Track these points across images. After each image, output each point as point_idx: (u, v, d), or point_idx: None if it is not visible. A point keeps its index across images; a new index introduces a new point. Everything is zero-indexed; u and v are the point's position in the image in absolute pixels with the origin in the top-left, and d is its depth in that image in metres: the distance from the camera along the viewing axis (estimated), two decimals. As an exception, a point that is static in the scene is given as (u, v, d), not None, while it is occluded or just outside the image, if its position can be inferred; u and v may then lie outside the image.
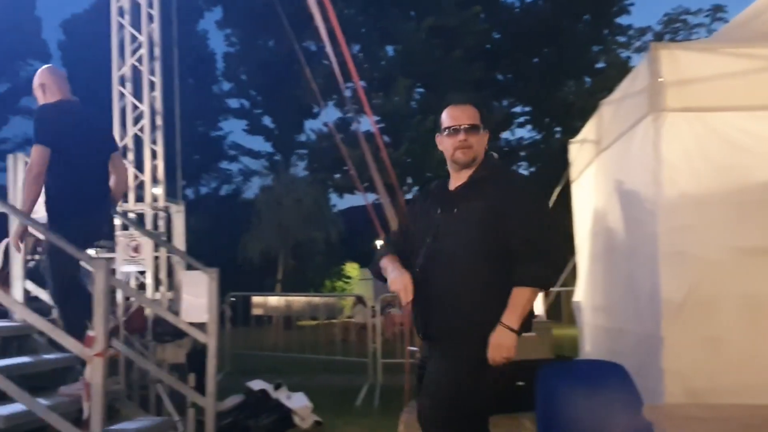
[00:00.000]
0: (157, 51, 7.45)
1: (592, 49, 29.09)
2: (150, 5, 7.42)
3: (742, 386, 4.25)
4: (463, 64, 26.19)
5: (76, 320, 4.78)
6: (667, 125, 4.66)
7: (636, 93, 5.12)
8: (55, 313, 5.42)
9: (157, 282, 7.10)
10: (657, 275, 4.50)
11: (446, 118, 3.37)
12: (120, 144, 7.22)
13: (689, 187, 4.63)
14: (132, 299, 6.78)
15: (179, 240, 7.57)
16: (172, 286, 7.32)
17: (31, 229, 5.25)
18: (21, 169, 5.75)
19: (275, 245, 24.92)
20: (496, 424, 4.52)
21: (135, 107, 7.33)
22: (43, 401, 4.46)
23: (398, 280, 3.20)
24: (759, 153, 4.55)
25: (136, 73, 7.38)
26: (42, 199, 4.92)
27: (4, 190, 5.52)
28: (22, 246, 5.06)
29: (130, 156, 7.28)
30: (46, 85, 5.15)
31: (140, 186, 7.28)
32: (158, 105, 7.38)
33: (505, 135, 30.92)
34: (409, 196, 19.88)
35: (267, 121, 34.22)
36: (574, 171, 7.46)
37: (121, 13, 7.42)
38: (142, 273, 7.01)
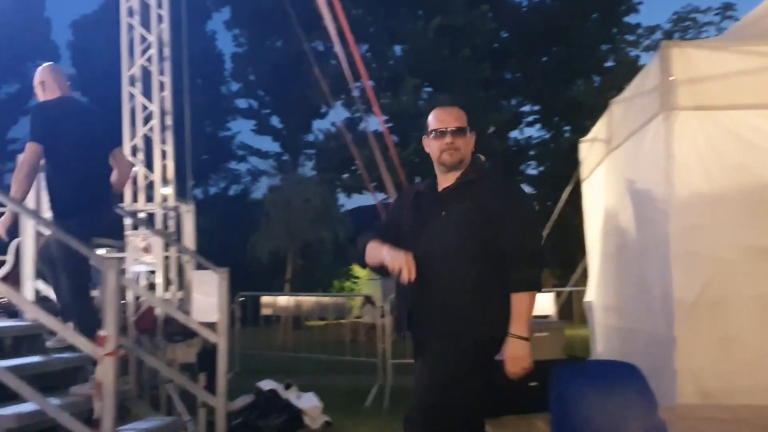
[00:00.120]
0: (166, 51, 7.46)
1: (600, 47, 28.97)
2: (159, 6, 7.44)
3: (755, 387, 4.23)
4: (471, 63, 26.11)
5: (89, 317, 4.81)
6: (678, 124, 4.64)
7: (647, 91, 5.10)
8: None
9: (167, 282, 7.11)
10: (669, 275, 4.48)
11: (432, 120, 3.36)
12: (130, 144, 7.27)
13: (701, 186, 4.61)
14: (142, 299, 6.79)
15: (189, 240, 7.57)
16: (182, 285, 7.33)
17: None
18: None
19: (284, 245, 24.86)
20: (508, 424, 4.53)
21: (145, 107, 7.35)
22: (54, 401, 4.46)
23: (399, 256, 3.13)
24: (771, 151, 4.52)
25: (146, 73, 7.39)
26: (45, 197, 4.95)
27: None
28: (5, 235, 5.04)
29: (140, 156, 7.30)
30: (45, 83, 5.17)
31: (150, 186, 7.29)
32: (168, 105, 7.39)
33: (514, 134, 30.87)
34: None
35: (275, 121, 34.18)
36: (584, 170, 7.43)
37: (130, 14, 7.43)
38: (152, 273, 7.01)
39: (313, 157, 31.77)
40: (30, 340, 5.60)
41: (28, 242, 6.08)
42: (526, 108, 30.89)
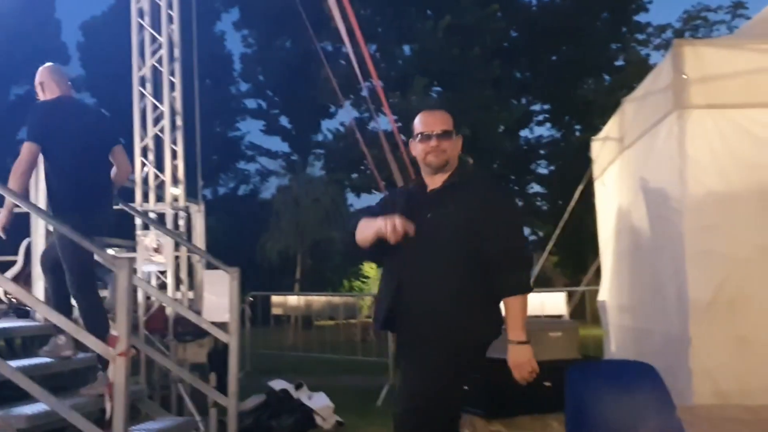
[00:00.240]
0: (176, 52, 7.46)
1: (610, 46, 28.87)
2: (170, 6, 7.44)
3: (772, 387, 4.20)
4: (481, 62, 26.05)
5: (95, 315, 4.82)
6: (691, 122, 4.63)
7: (659, 90, 5.07)
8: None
9: (178, 281, 7.11)
10: (683, 274, 4.46)
11: (418, 124, 3.34)
12: (140, 144, 7.28)
13: (715, 184, 4.59)
14: (153, 299, 6.79)
15: (199, 239, 7.58)
16: (192, 285, 7.33)
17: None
18: (40, 170, 5.76)
19: (293, 245, 24.87)
20: (522, 424, 4.51)
21: (155, 108, 7.35)
22: (65, 401, 4.45)
23: (386, 218, 3.11)
24: (786, 149, 4.49)
25: (156, 73, 7.39)
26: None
27: (25, 190, 5.52)
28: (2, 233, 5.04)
29: (151, 156, 7.30)
30: (44, 84, 5.19)
31: (161, 186, 7.29)
32: (178, 105, 7.39)
33: (524, 133, 30.81)
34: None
35: (284, 121, 34.22)
36: (596, 169, 7.40)
37: (141, 15, 7.44)
38: (163, 272, 7.01)
39: (322, 157, 31.75)
40: (41, 340, 5.60)
41: (38, 242, 6.08)
42: (537, 107, 30.82)
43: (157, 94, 7.35)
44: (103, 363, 4.64)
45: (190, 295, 7.24)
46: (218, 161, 34.35)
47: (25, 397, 4.26)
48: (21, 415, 4.27)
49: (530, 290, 3.19)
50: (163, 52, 7.37)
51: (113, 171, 5.31)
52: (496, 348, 4.96)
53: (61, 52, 32.99)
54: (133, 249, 6.96)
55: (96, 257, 4.81)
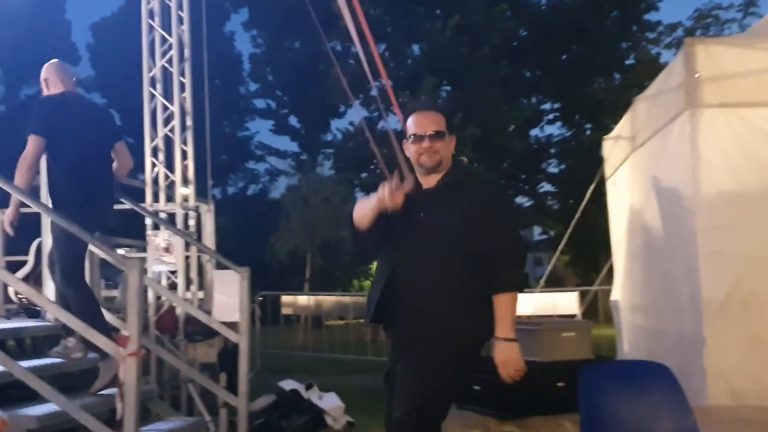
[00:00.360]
0: (186, 52, 7.46)
1: (620, 45, 28.78)
2: (180, 7, 7.44)
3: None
4: (490, 61, 25.99)
5: (86, 307, 4.83)
6: (704, 121, 4.61)
7: (671, 89, 5.05)
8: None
9: (188, 281, 7.11)
10: (697, 274, 4.43)
11: (411, 125, 3.31)
12: (151, 145, 7.29)
13: (728, 183, 4.57)
14: (163, 299, 6.79)
15: (209, 239, 7.58)
16: (202, 285, 7.33)
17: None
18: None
19: (303, 244, 24.88)
20: (535, 425, 4.48)
21: (165, 108, 7.35)
22: (75, 401, 4.45)
23: (382, 184, 3.11)
24: (799, 148, 4.46)
25: (166, 74, 7.40)
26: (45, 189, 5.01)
27: (36, 189, 5.54)
28: (11, 229, 5.05)
29: (161, 156, 7.30)
30: (48, 80, 5.24)
31: (171, 186, 7.29)
32: (188, 105, 7.40)
33: (535, 132, 30.75)
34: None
35: (293, 121, 34.25)
36: (608, 168, 7.36)
37: (151, 16, 7.44)
38: (173, 272, 7.01)
39: (331, 157, 31.78)
40: (51, 340, 5.61)
41: (48, 242, 6.08)
42: (547, 106, 30.75)
43: (167, 95, 7.36)
44: (101, 354, 4.68)
45: (200, 294, 7.24)
46: (228, 161, 34.42)
47: (35, 398, 4.26)
48: (31, 416, 4.26)
49: (522, 289, 3.17)
50: (173, 52, 7.37)
51: (114, 165, 5.34)
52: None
53: (71, 53, 33.09)
54: (144, 249, 6.97)
55: (106, 257, 4.81)
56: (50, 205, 4.96)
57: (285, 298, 19.60)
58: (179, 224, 7.15)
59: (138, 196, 6.95)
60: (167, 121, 7.35)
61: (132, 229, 7.52)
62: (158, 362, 6.49)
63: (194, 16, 7.61)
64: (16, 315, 6.54)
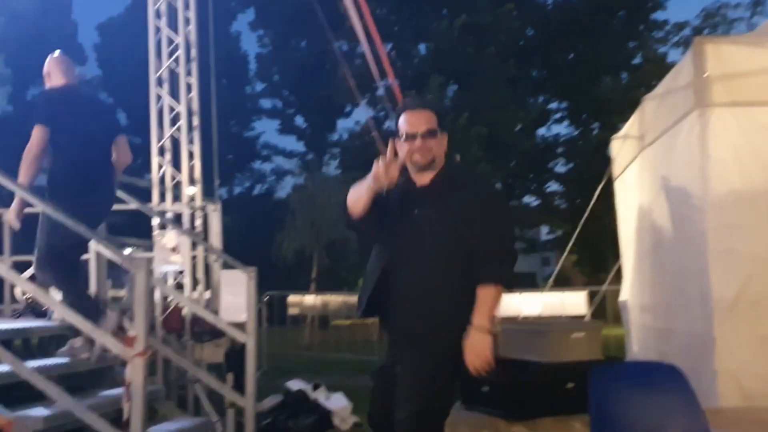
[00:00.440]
0: (193, 52, 7.47)
1: (627, 45, 28.74)
2: (186, 8, 7.45)
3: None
4: (497, 61, 26.01)
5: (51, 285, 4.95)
6: (713, 120, 4.58)
7: (680, 88, 5.03)
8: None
9: (195, 281, 7.10)
10: (707, 273, 4.40)
11: (403, 124, 3.30)
12: (157, 145, 7.29)
13: (738, 182, 4.54)
14: (170, 298, 6.78)
15: (216, 239, 7.56)
16: (209, 285, 7.32)
17: None
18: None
19: (309, 244, 24.88)
20: (545, 427, 4.45)
21: (172, 108, 7.35)
22: (82, 402, 4.44)
23: (376, 163, 3.13)
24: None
25: (173, 74, 7.40)
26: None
27: (42, 189, 5.55)
28: (17, 224, 5.06)
29: (168, 156, 7.30)
30: (50, 74, 5.28)
31: (177, 186, 7.29)
32: (195, 106, 7.41)
33: (542, 131, 30.73)
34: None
35: (299, 120, 34.34)
36: (616, 167, 7.33)
37: (158, 16, 7.45)
38: (180, 272, 7.01)
39: (337, 156, 31.81)
40: (58, 340, 5.60)
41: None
42: (553, 105, 30.75)
43: (174, 95, 7.36)
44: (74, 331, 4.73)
45: (207, 294, 7.23)
46: (234, 161, 34.48)
47: (42, 398, 4.25)
48: (37, 416, 4.25)
49: (508, 285, 3.16)
50: (180, 52, 7.38)
51: (113, 158, 5.37)
52: (514, 348, 4.94)
53: (78, 54, 33.18)
54: (150, 249, 6.97)
55: (115, 257, 4.81)
56: (49, 195, 4.96)
57: (291, 298, 19.60)
58: (186, 224, 7.15)
59: (145, 195, 6.95)
60: (174, 121, 7.35)
61: (139, 229, 7.52)
62: (165, 362, 6.48)
63: (201, 16, 7.61)
64: (23, 314, 6.54)
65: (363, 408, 7.29)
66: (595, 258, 25.05)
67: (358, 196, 3.27)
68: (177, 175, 7.28)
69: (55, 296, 5.17)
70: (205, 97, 7.70)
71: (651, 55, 27.52)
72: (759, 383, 4.13)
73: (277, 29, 31.35)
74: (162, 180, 7.28)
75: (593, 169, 11.00)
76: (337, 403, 6.99)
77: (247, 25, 33.86)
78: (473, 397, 4.85)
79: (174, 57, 7.40)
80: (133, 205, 6.12)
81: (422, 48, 28.41)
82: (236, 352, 6.52)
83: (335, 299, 21.13)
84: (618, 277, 7.27)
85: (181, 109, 7.31)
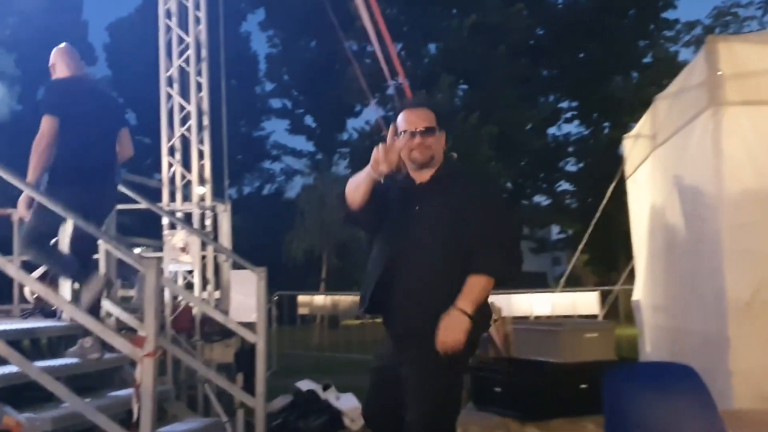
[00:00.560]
0: (204, 52, 7.46)
1: (638, 44, 28.68)
2: (197, 7, 7.44)
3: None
4: (507, 60, 26.00)
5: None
6: (726, 119, 4.55)
7: (693, 87, 4.99)
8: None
9: (205, 281, 7.09)
10: (721, 273, 4.35)
11: (401, 122, 3.33)
12: (167, 144, 7.28)
13: (752, 181, 4.50)
14: (180, 298, 6.77)
15: (225, 239, 7.56)
16: (219, 285, 7.31)
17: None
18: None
19: (318, 244, 24.92)
20: (557, 428, 4.41)
21: (182, 108, 7.34)
22: (91, 402, 4.43)
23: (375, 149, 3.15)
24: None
25: (183, 74, 7.39)
26: None
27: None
28: (29, 215, 5.06)
29: (178, 156, 7.30)
30: (56, 65, 5.33)
31: (187, 185, 7.29)
32: (205, 105, 7.40)
33: (552, 130, 30.68)
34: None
35: (309, 120, 34.41)
36: (628, 166, 7.28)
37: (168, 16, 7.44)
38: (190, 272, 7.00)
39: (347, 156, 31.82)
40: (67, 340, 5.59)
41: (65, 241, 6.07)
42: (564, 104, 30.69)
43: (184, 95, 7.35)
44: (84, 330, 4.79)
45: (217, 294, 7.22)
46: (243, 161, 34.54)
47: (51, 399, 4.24)
48: (46, 417, 4.23)
49: (499, 276, 3.15)
50: (190, 52, 7.36)
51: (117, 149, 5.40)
52: (526, 349, 4.91)
53: (88, 53, 33.25)
54: (160, 249, 6.96)
55: (125, 257, 4.81)
56: (48, 183, 4.98)
57: (301, 298, 19.62)
58: (195, 224, 7.14)
59: (154, 195, 6.94)
60: (184, 120, 7.34)
61: (148, 229, 7.52)
62: (175, 362, 6.47)
63: (211, 16, 7.60)
64: (32, 315, 6.54)
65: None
66: (606, 258, 24.98)
67: (357, 185, 3.28)
68: (187, 175, 7.27)
69: (64, 296, 5.17)
70: (215, 97, 7.69)
71: (662, 54, 27.44)
72: (775, 385, 4.09)
73: (286, 29, 31.41)
74: (172, 180, 7.27)
75: (604, 169, 10.95)
76: (347, 403, 6.97)
77: (257, 25, 34.01)
78: (485, 397, 4.82)
79: (184, 57, 7.39)
80: (143, 204, 6.11)
81: (432, 47, 28.41)
82: (246, 352, 6.51)
83: (345, 299, 21.13)
84: (630, 277, 7.21)
85: (191, 108, 7.30)
